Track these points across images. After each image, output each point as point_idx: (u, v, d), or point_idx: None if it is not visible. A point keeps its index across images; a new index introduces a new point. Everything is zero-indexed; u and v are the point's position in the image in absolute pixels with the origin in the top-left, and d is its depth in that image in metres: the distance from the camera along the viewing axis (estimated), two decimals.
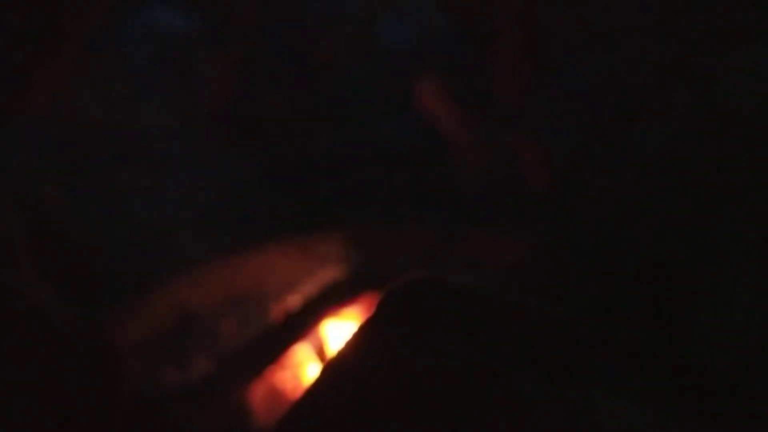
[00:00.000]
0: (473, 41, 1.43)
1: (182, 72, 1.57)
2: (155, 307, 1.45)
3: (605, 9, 1.45)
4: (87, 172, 1.47)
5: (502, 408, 0.61)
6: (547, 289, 1.36)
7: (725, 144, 1.38)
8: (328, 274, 1.51)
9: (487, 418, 0.61)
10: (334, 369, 0.68)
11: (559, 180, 1.45)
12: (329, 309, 1.49)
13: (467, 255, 1.49)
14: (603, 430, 0.60)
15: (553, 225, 1.45)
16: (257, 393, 1.43)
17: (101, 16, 1.42)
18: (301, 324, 1.48)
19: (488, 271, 1.46)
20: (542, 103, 1.48)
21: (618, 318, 1.27)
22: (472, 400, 0.62)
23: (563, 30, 1.42)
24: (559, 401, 0.62)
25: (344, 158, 1.54)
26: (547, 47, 1.42)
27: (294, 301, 1.50)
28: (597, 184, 1.45)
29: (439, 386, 0.63)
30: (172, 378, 1.40)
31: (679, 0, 1.42)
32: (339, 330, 1.46)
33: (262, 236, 1.53)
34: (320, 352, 1.47)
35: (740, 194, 1.35)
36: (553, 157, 1.46)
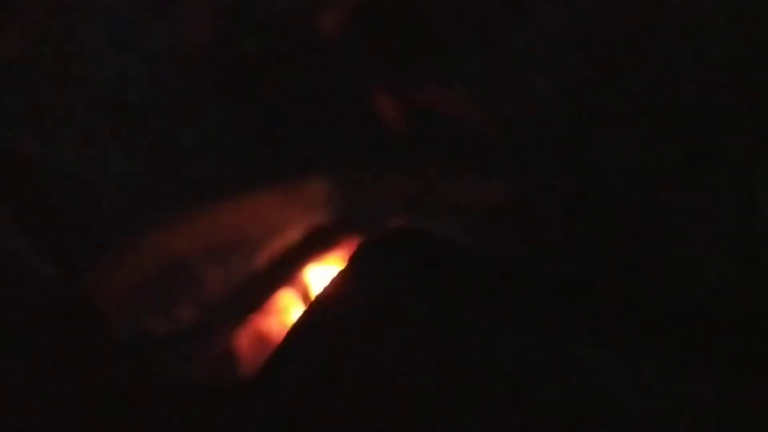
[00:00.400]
0: None
1: (159, 16, 1.54)
2: (137, 257, 1.45)
3: None
4: (61, 121, 1.45)
5: (480, 356, 0.61)
6: (529, 233, 1.36)
7: (709, 92, 1.37)
8: (312, 220, 1.51)
9: (465, 364, 0.61)
10: (314, 314, 0.68)
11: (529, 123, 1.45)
12: (313, 255, 1.49)
13: (449, 199, 1.48)
14: (584, 379, 0.60)
15: (535, 168, 1.45)
16: (242, 340, 1.44)
17: None
18: (284, 270, 1.48)
19: (471, 215, 1.46)
20: (517, 44, 1.46)
21: (599, 262, 1.27)
22: (450, 347, 0.62)
23: None
24: (540, 350, 0.62)
25: (324, 102, 1.53)
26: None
27: (277, 247, 1.50)
28: (580, 125, 1.45)
29: (415, 331, 0.63)
30: (156, 327, 1.41)
31: None
32: (323, 275, 1.47)
33: (245, 183, 1.52)
34: (305, 298, 1.47)
35: (718, 137, 1.35)
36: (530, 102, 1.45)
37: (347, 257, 1.49)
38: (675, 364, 0.62)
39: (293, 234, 1.50)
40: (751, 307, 1.12)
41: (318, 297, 0.71)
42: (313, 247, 1.49)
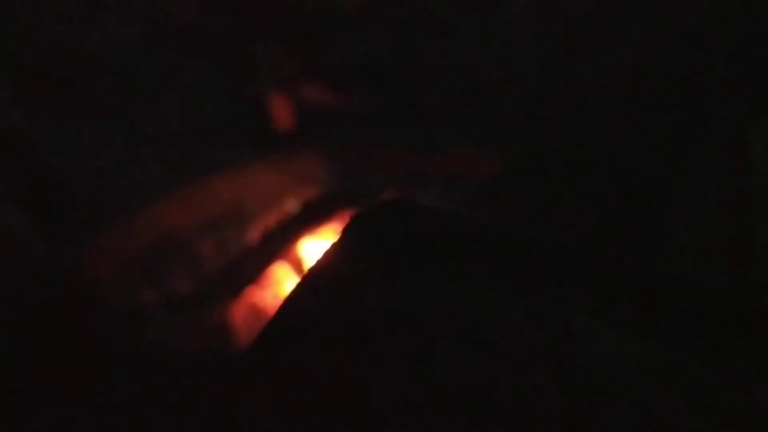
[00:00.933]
0: None
1: None
2: (131, 230, 1.45)
3: None
4: (52, 96, 1.44)
5: (475, 327, 0.62)
6: (523, 205, 1.36)
7: (697, 44, 1.37)
8: (306, 193, 1.51)
9: (461, 337, 0.62)
10: (307, 285, 0.68)
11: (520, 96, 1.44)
12: (307, 228, 1.49)
13: (444, 171, 1.48)
14: (583, 352, 0.61)
15: (530, 139, 1.45)
16: (237, 313, 1.44)
17: None
18: (279, 243, 1.48)
19: (466, 186, 1.46)
20: (510, 17, 1.46)
21: (595, 236, 1.28)
22: (443, 320, 0.63)
23: None
24: (539, 323, 0.62)
25: (317, 74, 1.52)
26: None
27: (272, 220, 1.50)
28: (573, 98, 1.44)
29: (410, 305, 0.63)
30: (152, 300, 1.41)
31: None
32: (317, 248, 1.47)
33: (238, 156, 1.52)
34: (299, 271, 1.48)
35: (715, 111, 1.35)
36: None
37: (341, 229, 1.49)
38: (668, 337, 0.63)
39: (287, 207, 1.50)
40: (744, 276, 1.13)
41: (311, 269, 0.71)
42: (307, 220, 1.49)
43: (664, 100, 1.39)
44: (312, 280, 0.67)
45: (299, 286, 0.69)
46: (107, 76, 1.48)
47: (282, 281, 1.46)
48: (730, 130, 1.34)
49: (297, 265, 1.47)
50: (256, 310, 1.44)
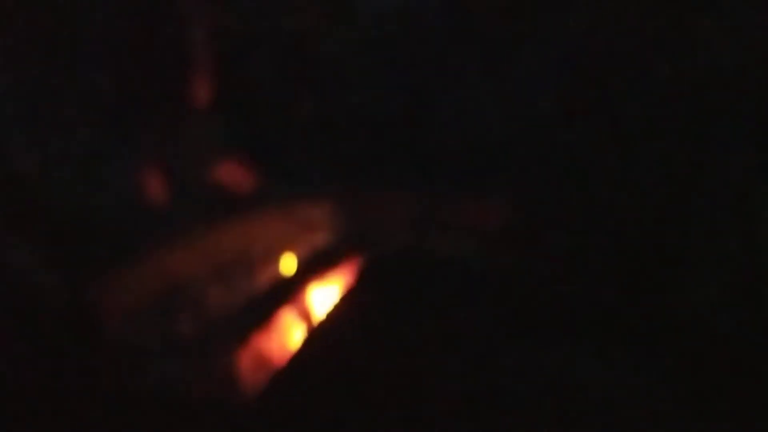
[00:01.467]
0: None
1: (163, 38, 1.55)
2: (141, 275, 1.45)
3: None
4: (68, 140, 1.45)
5: (483, 368, 0.61)
6: (531, 252, 1.36)
7: (705, 116, 1.38)
8: (314, 240, 1.51)
9: (469, 381, 0.61)
10: (318, 336, 0.68)
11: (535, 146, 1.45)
12: (315, 275, 1.49)
13: (452, 219, 1.49)
14: (583, 389, 0.61)
15: (538, 187, 1.45)
16: (244, 359, 1.43)
17: None
18: (287, 290, 1.48)
19: (473, 234, 1.46)
20: (519, 69, 1.47)
21: (601, 281, 1.27)
22: (454, 365, 0.62)
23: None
24: (541, 362, 0.62)
25: (328, 123, 1.53)
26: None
27: (280, 266, 1.50)
28: (582, 149, 1.45)
29: (419, 352, 0.63)
30: (158, 344, 1.41)
31: None
32: (325, 296, 1.47)
33: (248, 202, 1.52)
34: (306, 318, 1.47)
35: (723, 166, 1.36)
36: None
37: (349, 278, 1.49)
38: (676, 378, 0.63)
39: (296, 254, 1.50)
40: (752, 325, 1.12)
41: (321, 320, 0.71)
42: (316, 267, 1.49)
43: (671, 157, 1.40)
44: (321, 332, 0.67)
45: (308, 339, 0.68)
46: (122, 121, 1.50)
47: (289, 329, 1.46)
48: (735, 188, 1.34)
49: (304, 312, 1.47)
50: (262, 358, 1.43)
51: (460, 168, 1.51)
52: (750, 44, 1.35)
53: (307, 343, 0.69)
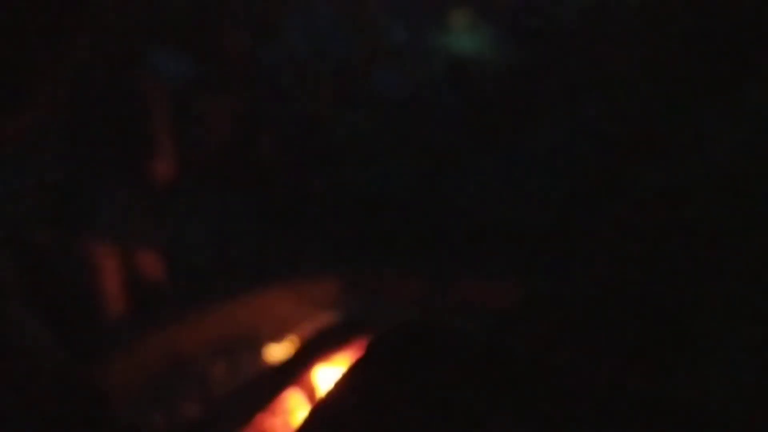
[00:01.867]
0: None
1: (179, 117, 1.58)
2: (147, 350, 1.44)
3: (598, 56, 1.47)
4: (78, 216, 1.47)
5: None
6: (540, 334, 1.35)
7: (719, 194, 1.39)
8: (321, 319, 1.51)
9: None
10: (321, 412, 0.67)
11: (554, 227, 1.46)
12: (321, 355, 1.48)
13: (460, 300, 1.48)
14: None
15: (545, 270, 1.45)
16: None
17: (79, 55, 1.43)
18: (292, 369, 1.47)
19: (481, 316, 1.45)
20: (530, 152, 1.49)
21: (611, 362, 1.26)
22: None
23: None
24: None
25: (338, 202, 1.55)
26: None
27: (286, 346, 1.49)
28: (589, 229, 1.45)
29: (428, 430, 0.62)
30: (162, 422, 1.39)
31: (665, 48, 1.44)
32: (331, 376, 1.45)
33: (256, 280, 1.53)
34: (311, 399, 1.45)
35: (737, 242, 1.36)
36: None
37: (355, 357, 1.47)
38: None
39: (303, 333, 1.49)
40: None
41: (324, 398, 0.70)
42: (322, 346, 1.48)
43: (681, 238, 1.40)
44: (325, 409, 0.66)
45: (312, 415, 0.68)
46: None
47: (294, 409, 1.44)
48: (750, 270, 1.34)
49: (310, 392, 1.45)
50: None
51: (468, 249, 1.51)
52: (757, 124, 1.37)
53: (310, 422, 0.68)
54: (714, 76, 1.42)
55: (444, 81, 1.57)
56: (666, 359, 1.29)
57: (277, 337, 1.49)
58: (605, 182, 1.47)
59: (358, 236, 1.52)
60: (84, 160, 1.45)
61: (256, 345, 1.48)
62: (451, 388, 0.61)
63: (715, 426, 0.61)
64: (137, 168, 1.46)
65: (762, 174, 1.37)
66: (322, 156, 1.57)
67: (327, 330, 1.50)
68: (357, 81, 1.59)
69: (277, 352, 1.48)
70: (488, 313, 1.46)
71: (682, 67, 1.42)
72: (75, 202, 1.42)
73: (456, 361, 0.63)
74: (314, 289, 1.52)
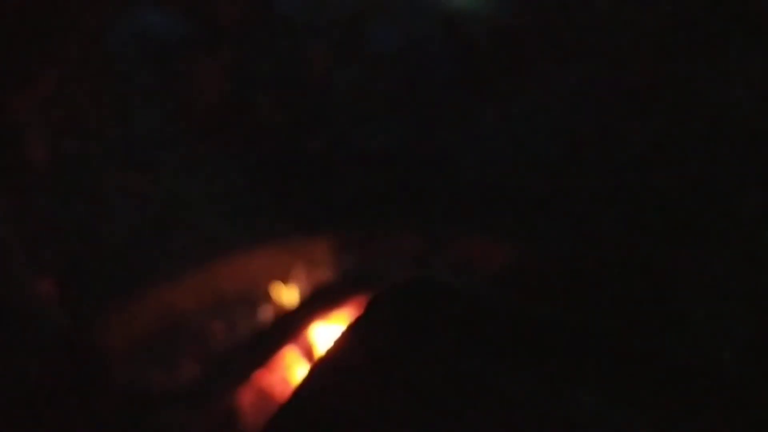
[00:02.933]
0: None
1: (172, 75, 1.57)
2: (144, 310, 1.45)
3: (587, 18, 1.46)
4: (76, 176, 1.46)
5: (490, 409, 0.61)
6: (536, 293, 1.36)
7: (710, 147, 1.39)
8: (318, 277, 1.51)
9: (474, 419, 0.61)
10: (321, 370, 0.67)
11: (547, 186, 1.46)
12: (319, 312, 1.48)
13: (456, 259, 1.49)
14: (588, 426, 0.60)
15: (543, 229, 1.45)
16: (246, 397, 1.42)
17: (98, 18, 1.41)
18: (290, 327, 1.48)
19: (477, 275, 1.46)
20: (527, 109, 1.48)
21: (608, 320, 1.27)
22: (460, 402, 0.62)
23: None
24: (547, 403, 0.61)
25: (334, 161, 1.54)
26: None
27: (283, 304, 1.50)
28: (587, 188, 1.45)
29: (427, 388, 0.63)
30: (161, 381, 1.40)
31: (661, 9, 1.43)
32: (328, 333, 1.46)
33: (252, 238, 1.52)
34: (309, 356, 1.46)
35: (728, 196, 1.36)
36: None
37: (353, 315, 1.48)
38: (677, 419, 0.62)
39: (300, 291, 1.50)
40: (757, 366, 1.12)
41: (324, 356, 0.70)
42: (319, 304, 1.49)
43: (678, 196, 1.40)
44: (324, 368, 0.67)
45: (311, 374, 0.68)
46: (129, 159, 1.51)
47: (292, 366, 1.45)
48: (743, 228, 1.34)
49: (308, 350, 1.46)
50: (265, 395, 1.42)
51: (465, 207, 1.51)
52: (753, 82, 1.36)
53: (310, 380, 0.69)
54: (709, 31, 1.41)
55: (440, 37, 1.55)
56: (661, 315, 1.30)
57: (273, 295, 1.50)
58: (603, 139, 1.47)
59: (354, 194, 1.52)
60: None
61: (253, 303, 1.48)
62: (452, 345, 0.61)
63: (706, 379, 0.61)
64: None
65: (758, 130, 1.36)
66: (317, 113, 1.56)
67: (324, 288, 1.51)
68: (351, 37, 1.57)
69: (274, 310, 1.49)
70: (486, 271, 1.46)
71: (680, 21, 1.41)
72: None
73: (457, 319, 0.64)
74: (311, 247, 1.52)
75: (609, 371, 0.63)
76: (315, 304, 1.49)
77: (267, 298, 1.49)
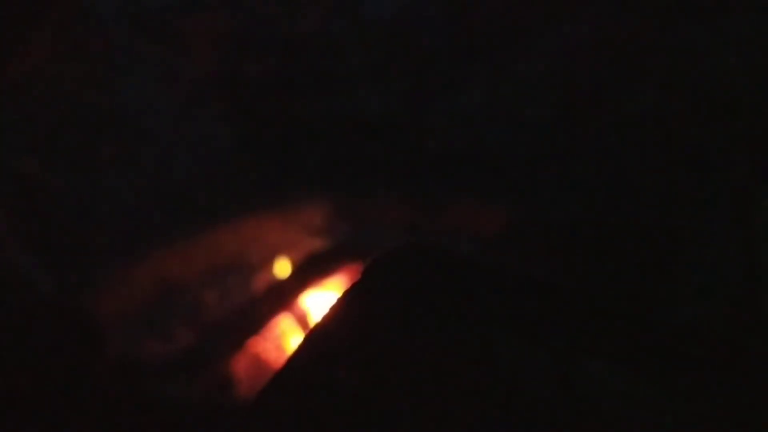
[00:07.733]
0: None
1: (163, 41, 1.55)
2: (137, 278, 1.45)
3: None
4: (66, 145, 1.45)
5: (488, 372, 0.61)
6: (529, 257, 1.36)
7: (703, 112, 1.38)
8: (311, 245, 1.51)
9: (473, 383, 0.61)
10: (316, 337, 0.68)
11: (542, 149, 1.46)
12: (312, 279, 1.49)
13: (450, 224, 1.49)
14: (589, 393, 0.60)
15: (535, 193, 1.45)
16: (240, 364, 1.43)
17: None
18: (283, 295, 1.48)
19: (471, 240, 1.46)
20: (518, 74, 1.48)
21: (602, 285, 1.27)
22: (458, 366, 0.62)
23: None
24: (546, 365, 0.62)
25: (327, 127, 1.53)
26: None
27: (277, 271, 1.50)
28: (579, 152, 1.45)
29: (426, 355, 0.63)
30: (155, 349, 1.40)
31: None
32: (321, 301, 1.46)
33: (245, 206, 1.52)
34: (303, 323, 1.47)
35: (721, 164, 1.36)
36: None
37: (346, 283, 1.49)
38: (678, 380, 0.63)
39: (293, 258, 1.50)
40: (750, 328, 1.13)
41: (320, 323, 0.70)
42: (312, 271, 1.49)
43: (670, 161, 1.40)
44: (319, 335, 0.67)
45: (306, 341, 0.68)
46: (121, 126, 1.50)
47: (286, 333, 1.45)
48: (735, 192, 1.34)
49: (301, 317, 1.47)
50: (258, 362, 1.43)
51: (454, 173, 1.51)
52: (748, 49, 1.36)
53: (304, 346, 0.69)
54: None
55: (435, 1, 1.54)
56: (652, 280, 1.30)
57: (266, 262, 1.50)
58: (595, 104, 1.46)
59: (347, 161, 1.52)
60: None
61: (246, 271, 1.48)
62: (449, 312, 0.62)
63: (695, 344, 0.62)
64: None
65: (751, 96, 1.36)
66: (310, 80, 1.55)
67: (317, 255, 1.51)
68: (345, 2, 1.56)
69: (268, 277, 1.49)
70: (479, 236, 1.46)
71: None
72: None
73: (452, 285, 0.64)
74: (303, 215, 1.52)
75: (609, 335, 0.63)
76: (308, 272, 1.49)
77: (260, 266, 1.49)
